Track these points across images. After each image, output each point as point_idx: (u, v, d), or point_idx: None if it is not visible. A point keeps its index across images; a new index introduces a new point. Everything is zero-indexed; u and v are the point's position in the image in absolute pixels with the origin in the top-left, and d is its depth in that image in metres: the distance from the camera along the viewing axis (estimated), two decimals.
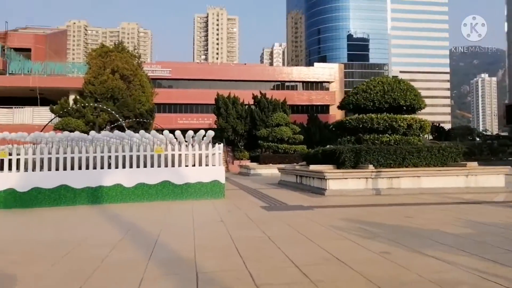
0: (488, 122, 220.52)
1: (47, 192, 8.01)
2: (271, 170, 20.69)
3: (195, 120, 66.87)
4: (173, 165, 8.65)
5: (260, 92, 37.23)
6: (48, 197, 8.02)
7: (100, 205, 7.96)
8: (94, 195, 8.18)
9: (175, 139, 9.30)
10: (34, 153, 8.15)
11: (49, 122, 19.22)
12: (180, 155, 8.73)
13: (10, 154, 8.06)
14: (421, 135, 11.29)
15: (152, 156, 8.60)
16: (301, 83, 70.68)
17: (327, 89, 72.39)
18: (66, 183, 8.12)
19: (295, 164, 20.85)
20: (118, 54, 33.54)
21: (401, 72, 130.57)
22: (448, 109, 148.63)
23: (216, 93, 47.85)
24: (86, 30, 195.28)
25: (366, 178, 9.22)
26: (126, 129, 20.47)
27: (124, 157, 8.47)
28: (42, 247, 4.07)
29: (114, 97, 31.40)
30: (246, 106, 35.67)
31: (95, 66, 32.20)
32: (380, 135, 10.85)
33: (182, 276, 3.04)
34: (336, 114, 72.81)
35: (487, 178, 9.51)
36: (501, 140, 45.19)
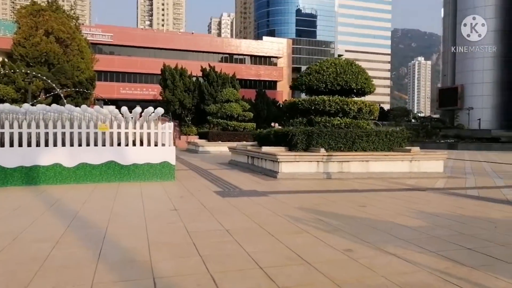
0: (422, 104, 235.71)
1: None
2: (220, 148, 20.45)
3: (139, 90, 64.08)
4: (119, 144, 8.09)
5: (209, 65, 36.33)
6: None
7: (36, 187, 7.30)
8: (29, 176, 7.46)
9: (121, 115, 8.69)
10: None
11: None
12: (127, 133, 8.18)
13: None
14: (369, 119, 11.60)
15: (96, 134, 7.97)
16: (249, 57, 70.04)
17: (275, 64, 72.53)
18: (22, 165, 7.30)
19: (245, 143, 20.81)
20: (52, 14, 30.71)
21: (346, 51, 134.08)
22: (388, 90, 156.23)
23: (161, 62, 46.03)
24: None
25: (318, 161, 9.31)
26: (64, 98, 19.02)
27: (63, 134, 7.77)
28: None
29: (49, 62, 28.95)
30: (194, 79, 34.67)
31: (26, 26, 29.29)
32: (332, 117, 10.98)
33: (138, 283, 2.76)
34: (283, 91, 73.66)
35: (429, 164, 10.04)
36: (434, 122, 48.52)
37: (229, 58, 69.10)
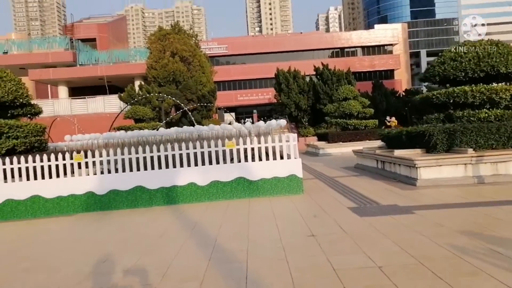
0: None
1: (124, 194, 7.92)
2: (341, 149, 19.64)
3: (255, 95, 66.54)
4: (246, 160, 8.12)
5: (322, 63, 35.51)
6: (125, 199, 7.93)
7: (175, 206, 7.73)
8: (169, 196, 7.95)
9: (244, 129, 8.76)
10: (108, 155, 8.06)
11: (121, 112, 19.84)
12: (252, 149, 8.16)
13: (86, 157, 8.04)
14: None
15: (224, 152, 8.13)
16: (361, 48, 66.79)
17: (390, 52, 67.78)
18: (142, 184, 7.96)
19: (368, 142, 19.61)
20: (176, 36, 33.68)
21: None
22: None
23: (274, 66, 46.62)
24: (143, 13, 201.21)
25: (465, 164, 8.00)
26: (190, 112, 20.44)
27: (196, 154, 8.11)
28: (121, 277, 3.71)
29: (176, 80, 31.78)
30: (308, 79, 34.26)
31: (155, 50, 32.67)
32: (476, 110, 9.39)
33: None
34: (402, 79, 68.36)
35: None
36: None
37: (340, 52, 67.04)
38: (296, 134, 8.31)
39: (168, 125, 27.88)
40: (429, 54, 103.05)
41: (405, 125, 44.25)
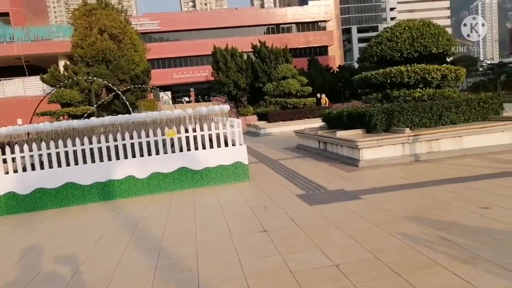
0: (489, 48, 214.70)
1: (52, 192, 7.14)
2: (281, 128, 19.76)
3: (191, 73, 64.89)
4: (188, 149, 7.68)
5: (259, 41, 35.21)
6: (54, 198, 7.15)
7: (113, 201, 7.15)
8: (105, 191, 7.32)
9: (185, 115, 8.28)
10: (31, 150, 7.16)
11: (46, 96, 18.04)
12: (195, 136, 7.73)
13: (3, 154, 7.08)
14: (455, 86, 10.17)
15: (164, 141, 7.61)
16: (296, 25, 67.50)
17: (324, 28, 69.29)
18: (73, 180, 7.22)
19: (307, 121, 19.90)
20: (103, 12, 31.19)
21: (398, 3, 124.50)
22: None
23: (210, 43, 45.28)
24: None
25: (403, 143, 8.28)
26: (122, 95, 19.24)
27: (133, 144, 7.50)
28: None
29: (106, 60, 29.65)
30: (245, 57, 33.84)
31: (81, 27, 30.07)
32: (411, 90, 9.75)
33: None
34: (335, 56, 70.50)
35: None
36: (510, 69, 43.44)
37: (276, 28, 67.23)
38: (240, 120, 8.01)
39: (100, 108, 26.08)
40: (359, 31, 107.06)
41: (339, 101, 45.97)
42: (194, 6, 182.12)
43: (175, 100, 62.69)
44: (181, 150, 7.65)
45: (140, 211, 6.15)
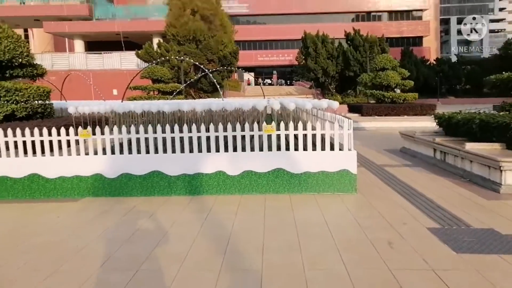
0: None
1: (138, 179, 6.58)
2: (375, 124, 17.96)
3: (275, 56, 64.33)
4: (287, 149, 6.62)
5: (353, 28, 32.89)
6: (139, 185, 6.59)
7: (199, 197, 6.39)
8: (192, 185, 6.58)
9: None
10: (120, 132, 6.65)
11: (140, 71, 18.32)
12: (296, 135, 6.64)
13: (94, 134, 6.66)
14: None
15: (260, 137, 6.63)
16: (387, 13, 63.09)
17: (420, 18, 63.90)
18: (160, 169, 6.58)
19: (406, 118, 17.82)
20: None
21: None
22: None
23: (296, 27, 43.82)
24: None
25: None
26: (210, 74, 18.86)
27: (226, 138, 6.63)
28: None
29: (196, 39, 29.83)
30: (337, 44, 31.86)
31: (175, 8, 30.56)
32: None
33: None
34: (431, 47, 64.68)
35: None
36: None
37: (366, 16, 63.55)
38: (351, 120, 6.71)
39: (187, 86, 26.30)
40: (459, 22, 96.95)
41: (433, 96, 41.80)
42: None
43: (257, 81, 62.66)
44: (278, 149, 6.61)
45: (231, 219, 5.25)
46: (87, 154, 6.67)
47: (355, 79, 31.47)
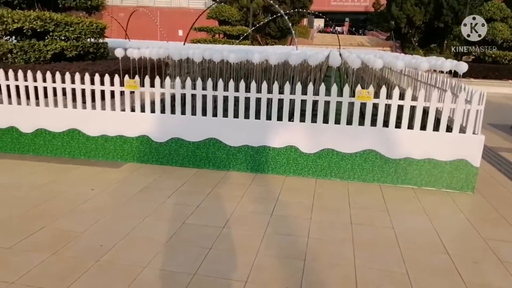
0: None
1: (190, 146, 5.36)
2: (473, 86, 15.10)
3: (350, 1, 58.98)
4: (385, 125, 4.95)
5: None
6: (192, 154, 5.39)
7: (263, 176, 5.08)
8: (255, 160, 5.24)
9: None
10: (173, 87, 5.36)
11: (206, 9, 16.70)
12: (400, 106, 4.91)
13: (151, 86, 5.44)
14: None
15: (351, 106, 5.01)
16: None
17: None
18: (217, 137, 5.29)
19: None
20: None
21: None
22: None
23: None
24: None
25: None
26: (285, 16, 16.81)
27: (302, 103, 5.09)
28: None
29: None
30: None
31: None
32: None
33: None
34: None
35: None
36: None
37: None
38: (484, 92, 4.80)
39: (255, 30, 24.40)
40: None
41: None
42: None
43: (326, 28, 58.58)
44: (373, 126, 4.95)
45: (305, 221, 3.87)
46: (133, 110, 5.52)
47: (444, 32, 27.39)
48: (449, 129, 4.87)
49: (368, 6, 54.03)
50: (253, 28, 20.83)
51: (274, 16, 20.65)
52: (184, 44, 12.17)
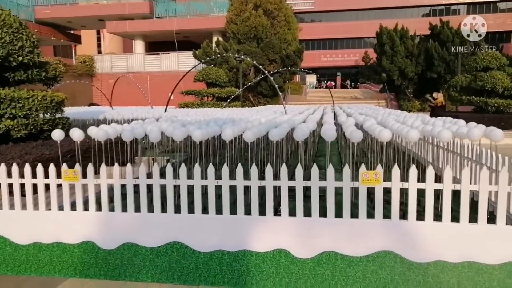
0: None
1: (148, 254, 4.04)
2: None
3: (340, 57, 60.25)
4: (403, 216, 3.69)
5: (441, 20, 28.46)
6: (151, 264, 4.05)
7: None
8: (232, 269, 3.90)
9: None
10: (135, 175, 4.15)
11: (188, 71, 16.00)
12: (421, 191, 3.67)
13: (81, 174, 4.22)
14: None
15: (354, 192, 3.78)
16: (465, 6, 56.18)
17: (509, 10, 56.06)
18: (181, 240, 4.00)
19: None
20: None
21: None
22: None
23: (363, 25, 39.62)
24: None
25: None
26: (271, 77, 16.14)
27: (292, 191, 3.86)
28: None
29: (258, 37, 27.34)
30: (418, 41, 27.59)
31: (237, 2, 28.34)
32: None
33: None
34: None
35: None
36: None
37: (445, 10, 56.94)
38: None
39: (246, 90, 23.92)
40: None
41: None
42: None
43: (320, 84, 59.37)
44: (386, 218, 3.68)
45: None
46: (74, 209, 4.26)
47: (438, 82, 27.08)
48: (492, 217, 3.62)
49: (358, 60, 55.03)
50: (243, 88, 20.25)
51: (264, 75, 20.19)
52: (165, 111, 11.24)
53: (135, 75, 29.07)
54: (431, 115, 17.08)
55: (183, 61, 30.59)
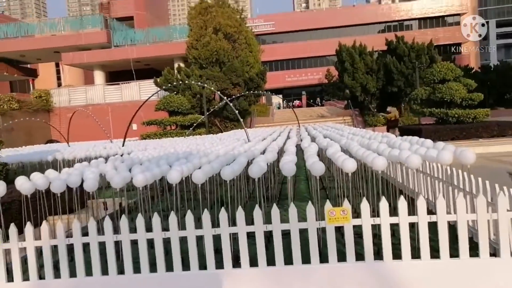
0: None
1: None
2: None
3: (304, 76, 61.19)
4: (377, 256, 3.26)
5: (396, 36, 29.32)
6: None
7: None
8: None
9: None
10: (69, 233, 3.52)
11: (146, 100, 15.37)
12: (394, 227, 3.27)
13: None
14: None
15: (321, 233, 3.33)
16: (418, 21, 59.02)
17: (457, 24, 59.25)
18: None
19: (482, 141, 13.91)
20: (219, 10, 28.97)
21: None
22: None
23: (324, 43, 40.41)
24: None
25: None
26: (235, 100, 15.80)
27: (251, 236, 3.37)
28: None
29: (220, 61, 27.17)
30: (376, 56, 28.28)
31: (196, 27, 28.19)
32: None
33: None
34: (470, 53, 59.52)
35: None
36: None
37: (399, 26, 59.45)
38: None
39: (211, 114, 23.47)
40: (499, 25, 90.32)
41: (483, 106, 37.13)
42: (307, 6, 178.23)
43: (287, 104, 60.00)
44: (357, 258, 3.25)
45: None
46: None
47: (399, 96, 27.68)
48: (473, 244, 3.25)
49: (321, 78, 56.00)
50: (206, 115, 19.80)
51: (228, 99, 19.90)
52: (123, 146, 10.56)
53: (95, 108, 28.05)
54: (387, 130, 17.14)
55: (144, 90, 29.85)
